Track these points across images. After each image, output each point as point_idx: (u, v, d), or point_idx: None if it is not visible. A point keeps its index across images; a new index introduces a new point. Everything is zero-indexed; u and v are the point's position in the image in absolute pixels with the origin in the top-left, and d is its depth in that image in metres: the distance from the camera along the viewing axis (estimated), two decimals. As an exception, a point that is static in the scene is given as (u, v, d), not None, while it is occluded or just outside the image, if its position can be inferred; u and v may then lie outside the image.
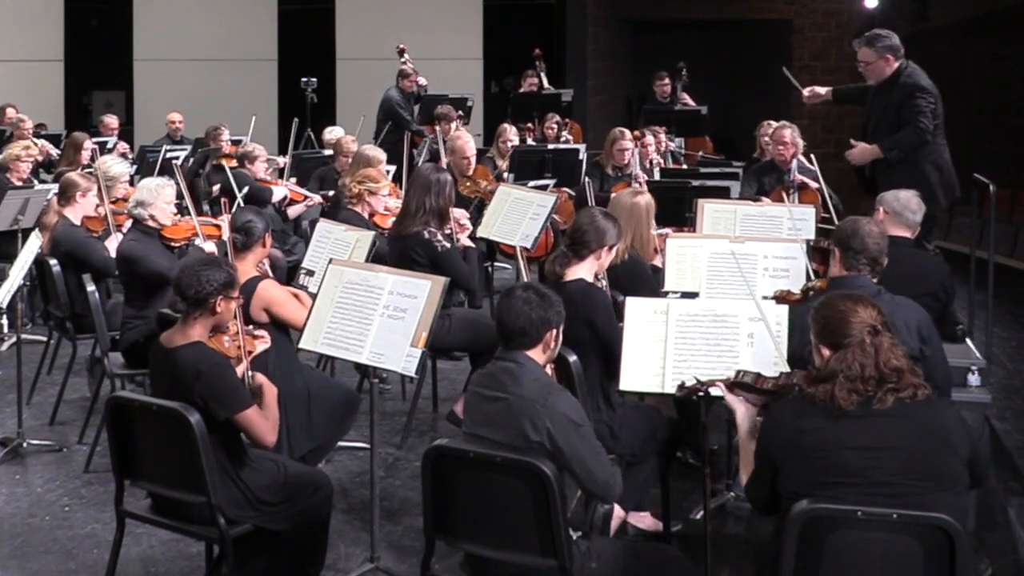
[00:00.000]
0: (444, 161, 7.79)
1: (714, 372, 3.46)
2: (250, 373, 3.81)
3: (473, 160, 7.58)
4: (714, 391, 3.34)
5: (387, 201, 6.26)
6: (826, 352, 2.95)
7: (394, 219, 5.90)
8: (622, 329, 3.97)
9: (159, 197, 5.47)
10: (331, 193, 7.74)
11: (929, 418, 2.82)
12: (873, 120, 6.24)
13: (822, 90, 6.65)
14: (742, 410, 3.22)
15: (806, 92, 6.69)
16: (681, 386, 3.39)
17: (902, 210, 4.73)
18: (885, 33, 6.13)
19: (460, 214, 5.75)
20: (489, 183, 7.45)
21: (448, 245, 5.35)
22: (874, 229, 4.00)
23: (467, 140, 7.75)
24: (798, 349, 3.58)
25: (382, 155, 7.30)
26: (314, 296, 4.29)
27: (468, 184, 7.40)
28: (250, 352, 3.90)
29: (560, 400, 3.16)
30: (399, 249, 5.37)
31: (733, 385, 3.23)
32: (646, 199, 5.13)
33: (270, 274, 4.79)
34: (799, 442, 2.85)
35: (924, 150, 6.02)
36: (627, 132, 7.61)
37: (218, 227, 5.80)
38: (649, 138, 7.92)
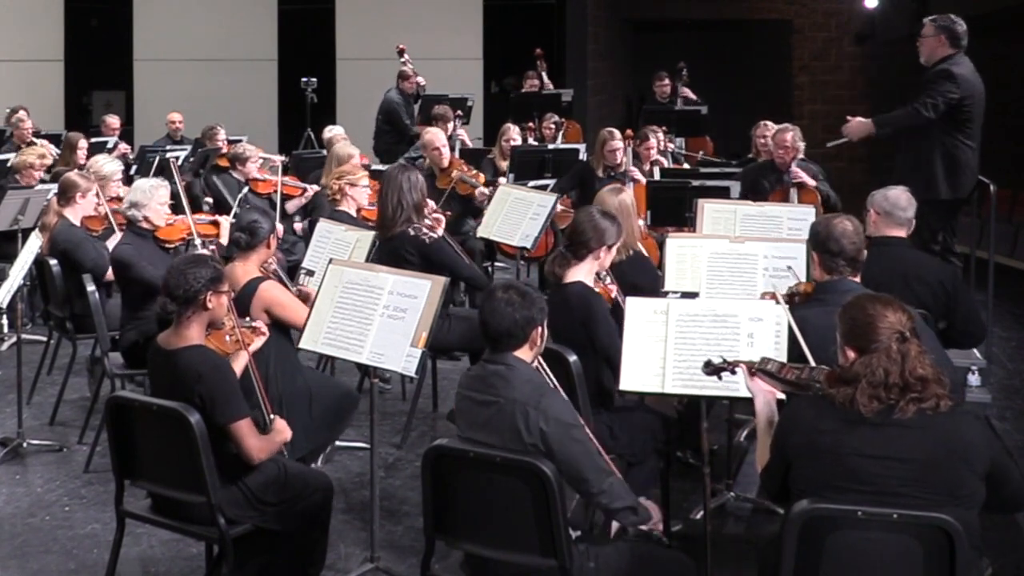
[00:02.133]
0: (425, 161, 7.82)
1: (731, 359, 3.44)
2: (271, 417, 3.81)
3: (445, 151, 7.62)
4: (738, 371, 3.32)
5: (368, 192, 6.27)
6: (851, 354, 2.90)
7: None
8: (619, 333, 3.97)
9: (153, 198, 5.43)
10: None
11: (949, 431, 2.77)
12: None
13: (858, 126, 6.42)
14: (762, 398, 3.20)
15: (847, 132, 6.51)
16: (708, 363, 3.36)
17: (892, 209, 4.66)
18: (954, 18, 6.12)
19: (431, 207, 5.79)
20: (461, 172, 7.46)
21: (435, 235, 5.35)
22: (848, 227, 3.93)
23: (436, 132, 7.81)
24: (797, 351, 3.56)
25: (354, 150, 7.35)
26: (314, 296, 4.29)
27: (442, 178, 7.43)
28: (248, 345, 3.89)
29: (553, 401, 3.16)
30: (387, 252, 5.36)
31: (757, 370, 3.21)
32: (628, 195, 5.17)
33: (279, 273, 4.78)
34: (814, 442, 2.84)
35: (936, 137, 6.00)
36: (616, 132, 7.57)
37: (215, 224, 5.79)
38: (652, 140, 7.89)
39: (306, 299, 4.59)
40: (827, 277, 3.95)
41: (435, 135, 7.71)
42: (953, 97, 5.93)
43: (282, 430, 3.80)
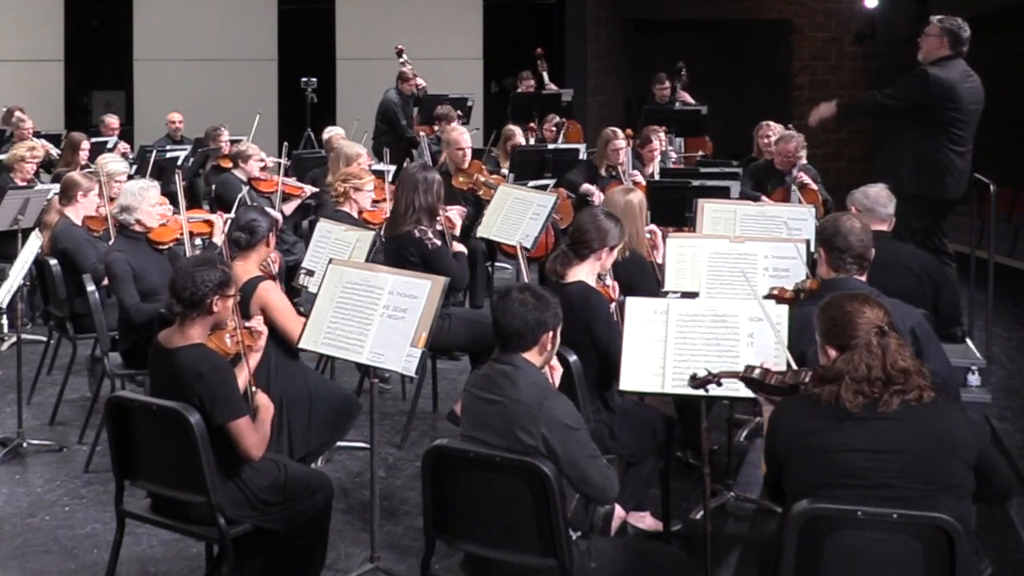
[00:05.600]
0: (442, 158, 7.82)
1: (716, 371, 3.44)
2: (253, 389, 3.80)
3: (468, 152, 7.61)
4: (724, 383, 3.33)
5: (371, 195, 6.28)
6: (832, 352, 2.93)
7: (386, 216, 5.92)
8: (620, 333, 3.97)
9: (143, 200, 5.37)
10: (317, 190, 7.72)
11: (934, 421, 2.80)
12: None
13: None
14: (770, 406, 3.20)
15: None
16: (693, 377, 3.37)
17: (872, 205, 4.77)
18: (960, 23, 6.12)
19: (456, 210, 5.77)
20: (483, 175, 7.47)
21: (439, 243, 5.36)
22: (856, 225, 3.98)
23: (461, 132, 7.81)
24: (799, 349, 3.57)
25: (361, 150, 7.32)
26: (314, 297, 4.29)
27: (463, 177, 7.43)
28: (249, 347, 3.89)
29: (556, 404, 3.15)
30: (393, 250, 5.39)
31: (742, 379, 3.22)
32: (638, 197, 5.16)
33: (274, 274, 4.77)
34: (803, 442, 2.85)
35: (909, 138, 6.04)
36: (619, 132, 7.60)
37: (208, 223, 5.77)
38: (654, 142, 7.89)
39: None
40: (833, 274, 3.97)
41: (460, 135, 7.71)
42: (916, 98, 5.94)
43: (266, 404, 3.77)
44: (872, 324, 2.87)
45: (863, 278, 3.96)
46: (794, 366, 3.24)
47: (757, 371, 3.18)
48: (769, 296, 4.08)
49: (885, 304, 3.01)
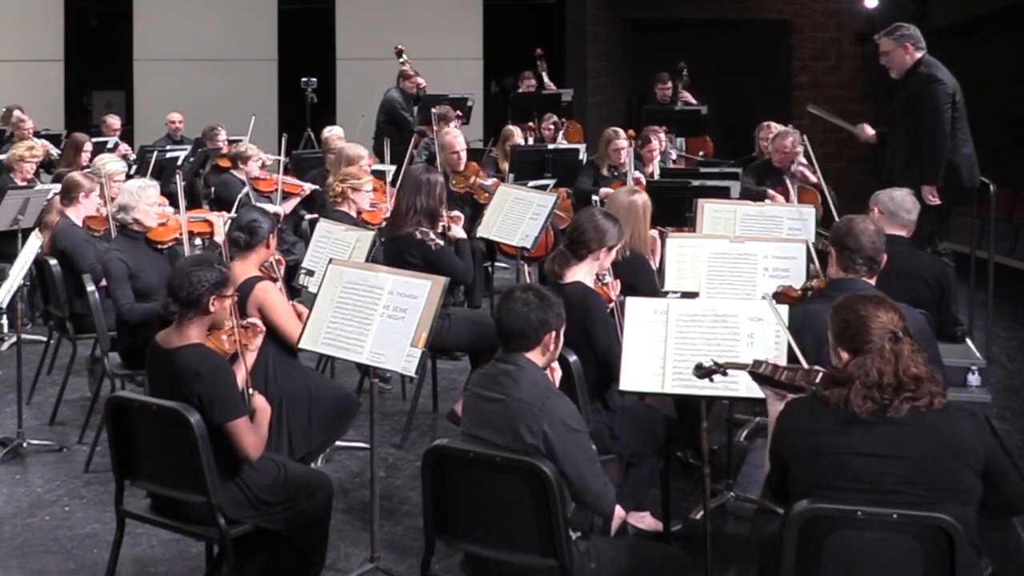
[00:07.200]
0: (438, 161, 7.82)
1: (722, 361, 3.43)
2: (250, 392, 3.80)
3: (463, 155, 7.61)
4: (724, 380, 3.33)
5: (370, 196, 6.27)
6: (844, 355, 2.91)
7: (385, 217, 5.91)
8: (618, 334, 3.97)
9: (141, 199, 5.36)
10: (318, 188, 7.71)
11: (942, 427, 2.77)
12: (897, 117, 6.25)
13: (870, 131, 6.53)
14: (773, 398, 3.19)
15: (857, 130, 6.61)
16: (699, 367, 3.37)
17: (896, 209, 4.78)
18: (905, 24, 6.15)
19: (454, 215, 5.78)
20: (479, 178, 7.47)
21: (441, 243, 5.35)
22: (869, 227, 3.99)
23: (456, 135, 7.80)
24: (800, 347, 3.56)
25: (363, 151, 7.31)
26: (314, 297, 4.29)
27: (458, 180, 7.43)
28: (246, 345, 3.89)
29: (558, 404, 3.15)
30: (393, 251, 5.37)
31: (752, 375, 3.21)
32: (643, 198, 5.12)
33: (276, 275, 4.75)
34: (810, 443, 2.84)
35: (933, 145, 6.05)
36: (621, 132, 7.60)
37: (208, 223, 5.77)
38: (654, 142, 7.90)
39: (298, 316, 4.55)
40: (842, 274, 3.97)
41: (455, 138, 7.70)
42: (949, 94, 5.96)
43: (263, 407, 3.78)
44: (886, 329, 2.84)
45: (872, 281, 3.96)
46: (806, 365, 3.23)
47: (766, 367, 3.17)
48: (777, 294, 4.08)
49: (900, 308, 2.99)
